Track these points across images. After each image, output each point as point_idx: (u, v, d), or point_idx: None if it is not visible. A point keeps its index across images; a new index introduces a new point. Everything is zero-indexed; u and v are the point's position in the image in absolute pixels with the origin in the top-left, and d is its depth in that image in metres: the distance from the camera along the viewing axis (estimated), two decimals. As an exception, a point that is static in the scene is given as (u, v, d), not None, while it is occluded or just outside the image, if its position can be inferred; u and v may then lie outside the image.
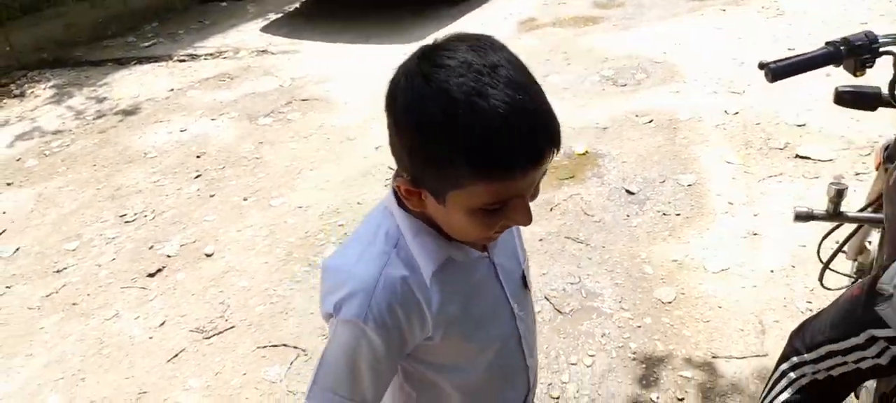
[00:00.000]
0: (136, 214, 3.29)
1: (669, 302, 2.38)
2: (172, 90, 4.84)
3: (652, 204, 2.94)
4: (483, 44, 0.72)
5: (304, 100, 4.47)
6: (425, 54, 0.72)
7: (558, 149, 0.74)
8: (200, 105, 4.53)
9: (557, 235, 2.80)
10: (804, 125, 3.42)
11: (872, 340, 1.04)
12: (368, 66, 4.94)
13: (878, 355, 1.05)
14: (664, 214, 2.86)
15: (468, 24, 5.59)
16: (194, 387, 2.23)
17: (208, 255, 2.91)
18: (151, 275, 2.82)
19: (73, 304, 2.69)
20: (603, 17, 5.53)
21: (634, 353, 2.18)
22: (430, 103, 0.69)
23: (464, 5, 5.94)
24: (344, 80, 4.72)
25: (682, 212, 2.86)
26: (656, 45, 4.69)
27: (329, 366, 0.84)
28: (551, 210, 2.96)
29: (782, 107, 3.60)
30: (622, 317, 2.33)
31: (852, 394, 1.63)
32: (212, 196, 3.39)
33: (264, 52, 5.51)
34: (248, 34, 5.99)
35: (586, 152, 3.39)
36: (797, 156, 3.17)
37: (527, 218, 0.77)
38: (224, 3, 6.99)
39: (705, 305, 2.35)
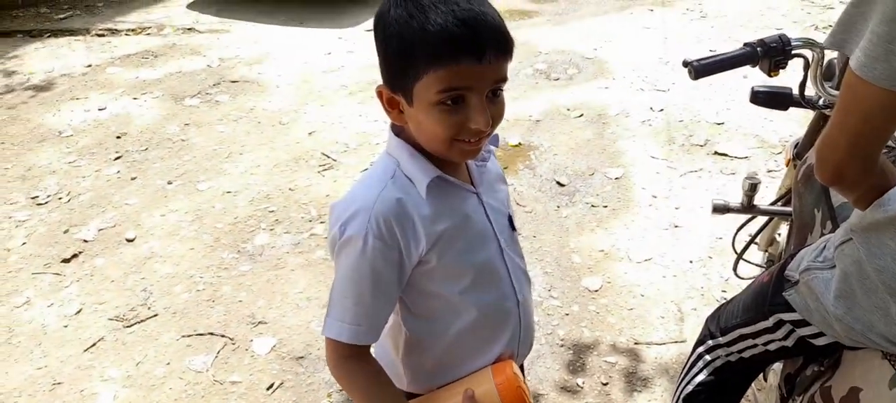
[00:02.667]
0: (49, 196, 3.10)
1: (596, 291, 2.46)
2: (90, 66, 4.58)
3: (581, 195, 3.03)
4: None
5: (233, 81, 4.32)
6: None
7: (506, 55, 0.86)
8: (121, 83, 4.31)
9: (490, 224, 2.83)
10: (723, 124, 3.61)
11: (780, 323, 1.12)
12: (302, 50, 4.84)
13: (785, 337, 1.12)
14: (592, 206, 2.96)
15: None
16: (113, 377, 2.13)
17: (129, 240, 2.78)
18: (67, 261, 2.67)
19: (-22, 291, 2.52)
20: (537, 11, 5.63)
21: (562, 340, 2.25)
22: (393, 11, 0.84)
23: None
24: (276, 64, 4.60)
25: (610, 205, 2.96)
26: (588, 41, 4.82)
27: (336, 295, 0.94)
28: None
29: (703, 106, 3.78)
30: (551, 305, 2.40)
31: (761, 376, 1.74)
32: (133, 178, 3.24)
33: (191, 30, 5.29)
34: (173, 10, 5.74)
35: (520, 144, 3.45)
36: (715, 152, 3.35)
37: (483, 118, 0.85)
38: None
39: (629, 294, 2.45)
